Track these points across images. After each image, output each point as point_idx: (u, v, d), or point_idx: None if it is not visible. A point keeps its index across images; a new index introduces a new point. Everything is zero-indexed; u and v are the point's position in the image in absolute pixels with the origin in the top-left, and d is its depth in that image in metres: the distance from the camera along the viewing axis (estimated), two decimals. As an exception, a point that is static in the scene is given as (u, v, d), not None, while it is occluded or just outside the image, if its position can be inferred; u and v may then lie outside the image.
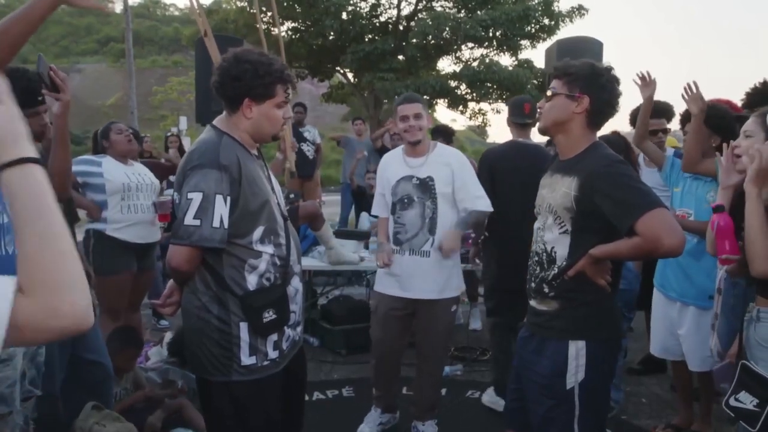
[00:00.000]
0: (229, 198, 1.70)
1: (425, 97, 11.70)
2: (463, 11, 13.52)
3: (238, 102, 1.79)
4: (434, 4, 14.12)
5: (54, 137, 2.14)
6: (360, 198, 6.77)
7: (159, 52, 40.02)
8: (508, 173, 3.21)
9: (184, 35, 17.06)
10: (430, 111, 3.19)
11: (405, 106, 2.83)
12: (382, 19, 14.10)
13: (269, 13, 10.83)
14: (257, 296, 1.78)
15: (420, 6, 14.14)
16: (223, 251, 1.74)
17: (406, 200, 2.86)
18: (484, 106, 14.64)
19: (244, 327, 1.78)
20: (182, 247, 1.70)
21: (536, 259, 1.94)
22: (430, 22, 12.26)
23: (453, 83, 13.48)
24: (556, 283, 1.85)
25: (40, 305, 0.75)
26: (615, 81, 1.84)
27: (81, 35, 42.48)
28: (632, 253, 1.74)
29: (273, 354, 1.84)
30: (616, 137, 2.97)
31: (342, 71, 14.72)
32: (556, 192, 1.85)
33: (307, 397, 3.01)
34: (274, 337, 1.84)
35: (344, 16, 13.02)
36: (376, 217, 3.19)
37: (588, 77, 1.80)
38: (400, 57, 13.35)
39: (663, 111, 3.54)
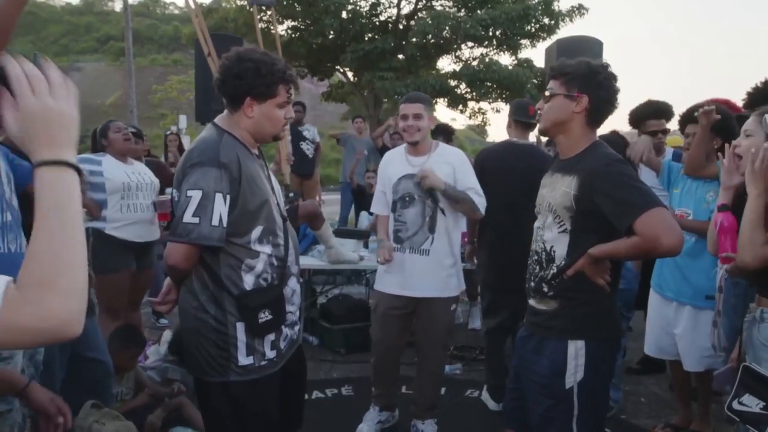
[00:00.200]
0: (228, 196, 1.69)
1: (423, 94, 11.66)
2: (463, 10, 13.49)
3: (239, 100, 1.79)
4: (434, 3, 14.10)
5: None
6: (360, 197, 6.78)
7: (159, 51, 39.99)
8: (498, 173, 3.23)
9: (184, 34, 17.01)
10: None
11: (406, 105, 2.84)
12: (382, 18, 14.08)
13: (269, 13, 10.82)
14: (253, 296, 1.78)
15: (420, 5, 14.12)
16: (220, 250, 1.74)
17: (407, 198, 2.86)
18: (483, 105, 14.64)
19: (240, 327, 1.77)
20: (180, 245, 1.69)
21: (535, 258, 1.94)
22: (430, 21, 12.25)
23: (453, 82, 13.46)
24: (555, 282, 1.85)
25: (29, 300, 0.75)
26: (612, 78, 1.84)
27: (80, 34, 42.44)
28: (631, 253, 1.74)
29: (270, 354, 1.83)
30: (615, 137, 2.97)
31: (342, 70, 14.70)
32: (555, 191, 1.85)
33: (306, 396, 3.01)
34: (272, 336, 1.83)
35: (344, 15, 13.00)
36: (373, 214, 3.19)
37: (585, 76, 1.80)
38: (400, 56, 13.34)
39: (663, 111, 3.55)
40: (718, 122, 2.70)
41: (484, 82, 12.82)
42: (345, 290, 5.25)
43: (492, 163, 3.31)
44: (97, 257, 3.24)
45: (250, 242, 1.77)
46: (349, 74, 14.54)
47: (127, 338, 2.96)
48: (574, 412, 1.81)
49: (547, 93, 1.88)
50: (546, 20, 12.86)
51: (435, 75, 13.78)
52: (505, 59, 13.70)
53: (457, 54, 14.23)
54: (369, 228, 4.42)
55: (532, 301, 1.97)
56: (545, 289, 1.89)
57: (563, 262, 1.83)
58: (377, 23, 13.95)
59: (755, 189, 1.72)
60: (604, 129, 2.07)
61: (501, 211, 3.19)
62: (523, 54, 14.22)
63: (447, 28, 12.29)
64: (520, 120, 3.32)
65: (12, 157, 2.02)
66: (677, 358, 2.91)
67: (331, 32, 13.13)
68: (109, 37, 39.96)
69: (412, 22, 13.66)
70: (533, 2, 12.69)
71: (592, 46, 5.03)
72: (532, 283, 1.95)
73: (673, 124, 3.63)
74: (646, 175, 3.33)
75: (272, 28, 11.39)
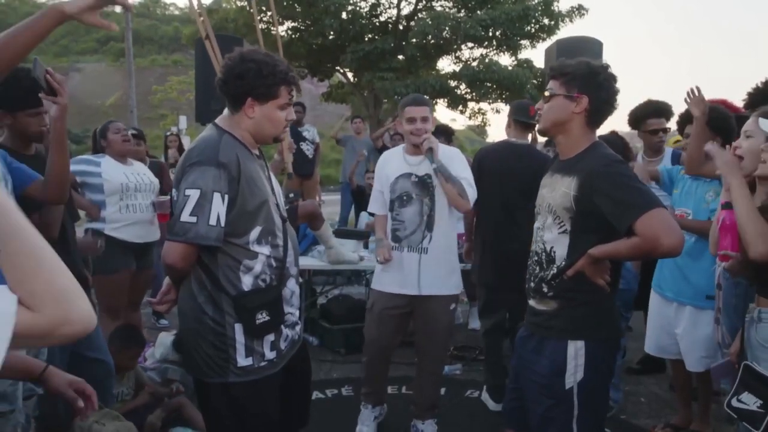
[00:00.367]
0: (227, 196, 1.68)
1: (425, 96, 11.68)
2: (462, 11, 13.51)
3: (240, 101, 1.78)
4: (434, 3, 14.12)
5: (51, 141, 2.05)
6: (360, 197, 6.78)
7: (159, 52, 40.03)
8: (496, 172, 3.24)
9: (184, 34, 17.03)
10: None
11: (414, 108, 2.81)
12: (382, 18, 14.11)
13: (269, 13, 10.83)
14: (251, 297, 1.77)
15: (420, 5, 14.14)
16: (218, 251, 1.73)
17: (404, 197, 2.86)
18: (483, 105, 14.68)
19: (238, 328, 1.76)
20: (178, 244, 1.69)
21: (535, 258, 1.94)
22: (430, 22, 12.26)
23: (453, 83, 13.48)
24: (555, 282, 1.85)
25: (50, 318, 0.75)
26: (612, 79, 1.83)
27: (80, 34, 42.40)
28: (631, 253, 1.74)
29: (270, 355, 1.82)
30: (614, 137, 2.97)
31: (342, 71, 14.72)
32: (555, 192, 1.85)
33: (306, 396, 3.01)
34: (271, 337, 1.82)
35: (344, 15, 13.02)
36: (372, 214, 3.18)
37: (585, 76, 1.80)
38: (400, 56, 13.36)
39: (662, 111, 3.55)
40: (719, 122, 2.70)
41: (484, 82, 12.84)
42: (345, 290, 5.25)
43: (490, 163, 3.31)
44: (97, 258, 3.24)
45: (248, 243, 1.77)
46: (349, 75, 14.56)
47: (128, 338, 2.96)
48: (574, 412, 1.81)
49: (546, 93, 1.88)
50: (546, 21, 12.89)
51: (435, 75, 13.79)
52: (505, 60, 13.76)
53: (457, 54, 14.26)
54: (366, 228, 4.42)
55: (532, 302, 1.97)
56: (545, 290, 1.89)
57: (563, 263, 1.83)
58: (377, 24, 13.97)
59: (734, 179, 1.74)
60: (603, 129, 2.08)
61: (498, 211, 3.19)
62: (523, 54, 14.32)
63: (447, 28, 12.31)
64: (520, 120, 3.33)
65: (10, 160, 2.01)
66: (678, 357, 2.90)
67: (331, 33, 13.15)
68: (109, 37, 39.88)
69: (412, 23, 13.67)
70: (533, 3, 12.71)
71: (592, 46, 5.04)
72: (532, 284, 1.95)
73: (672, 124, 3.63)
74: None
75: (273, 28, 11.42)
